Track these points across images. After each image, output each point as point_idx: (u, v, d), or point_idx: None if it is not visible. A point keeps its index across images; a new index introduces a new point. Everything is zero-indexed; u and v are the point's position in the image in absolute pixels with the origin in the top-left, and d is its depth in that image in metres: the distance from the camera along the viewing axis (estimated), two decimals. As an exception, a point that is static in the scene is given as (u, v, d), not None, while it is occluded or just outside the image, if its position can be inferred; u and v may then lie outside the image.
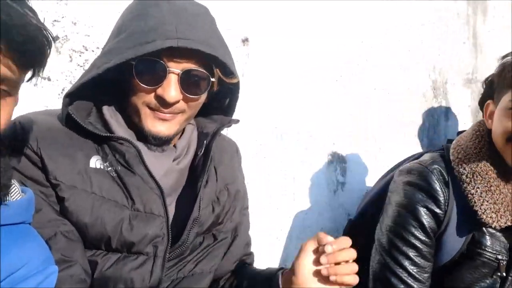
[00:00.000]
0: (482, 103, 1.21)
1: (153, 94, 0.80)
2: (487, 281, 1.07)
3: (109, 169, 0.82)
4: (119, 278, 0.80)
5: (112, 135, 0.83)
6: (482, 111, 1.19)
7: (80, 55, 1.17)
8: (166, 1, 0.80)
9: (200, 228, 0.89)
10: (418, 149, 1.83)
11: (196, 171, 0.92)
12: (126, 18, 0.82)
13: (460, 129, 1.94)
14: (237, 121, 0.96)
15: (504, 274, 1.06)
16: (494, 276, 1.07)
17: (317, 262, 0.78)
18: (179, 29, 0.76)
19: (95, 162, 0.82)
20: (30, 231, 0.64)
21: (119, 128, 0.85)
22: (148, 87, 0.79)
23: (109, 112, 0.86)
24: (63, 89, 1.14)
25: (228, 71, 0.84)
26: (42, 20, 0.59)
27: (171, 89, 0.79)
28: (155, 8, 0.78)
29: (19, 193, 0.65)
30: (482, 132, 1.09)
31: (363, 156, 1.71)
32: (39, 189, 0.77)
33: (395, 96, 1.80)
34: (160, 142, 0.85)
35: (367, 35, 1.72)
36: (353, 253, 0.77)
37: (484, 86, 1.26)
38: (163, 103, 0.80)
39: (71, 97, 0.81)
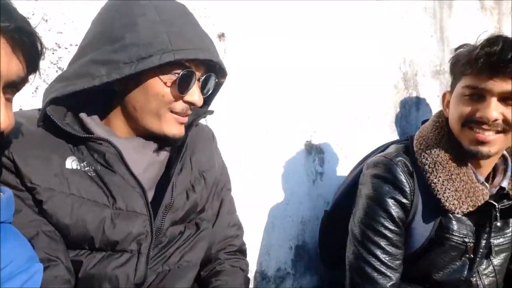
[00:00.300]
0: None
1: (180, 100, 0.83)
2: (457, 263, 1.12)
3: (86, 169, 0.81)
4: (103, 276, 0.80)
5: (91, 135, 0.82)
6: None
7: (53, 53, 1.14)
8: (149, 1, 0.79)
9: (174, 215, 0.89)
10: (392, 138, 1.90)
11: (171, 160, 0.93)
12: (113, 26, 0.79)
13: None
14: (212, 112, 0.97)
15: (472, 255, 1.10)
16: (463, 258, 1.11)
17: None
18: (172, 40, 0.77)
19: (71, 163, 0.81)
20: (11, 230, 0.64)
21: (97, 128, 0.85)
22: (182, 94, 0.82)
23: (85, 113, 0.85)
24: (36, 88, 1.12)
25: (219, 69, 0.87)
26: None
27: (197, 94, 0.83)
28: (142, 18, 0.77)
29: (-3, 193, 0.64)
30: (442, 123, 1.12)
31: (340, 147, 1.76)
32: (15, 193, 0.76)
33: (369, 89, 1.85)
34: (178, 142, 0.90)
35: (340, 30, 1.75)
36: None
37: None
38: (191, 108, 0.85)
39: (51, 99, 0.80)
